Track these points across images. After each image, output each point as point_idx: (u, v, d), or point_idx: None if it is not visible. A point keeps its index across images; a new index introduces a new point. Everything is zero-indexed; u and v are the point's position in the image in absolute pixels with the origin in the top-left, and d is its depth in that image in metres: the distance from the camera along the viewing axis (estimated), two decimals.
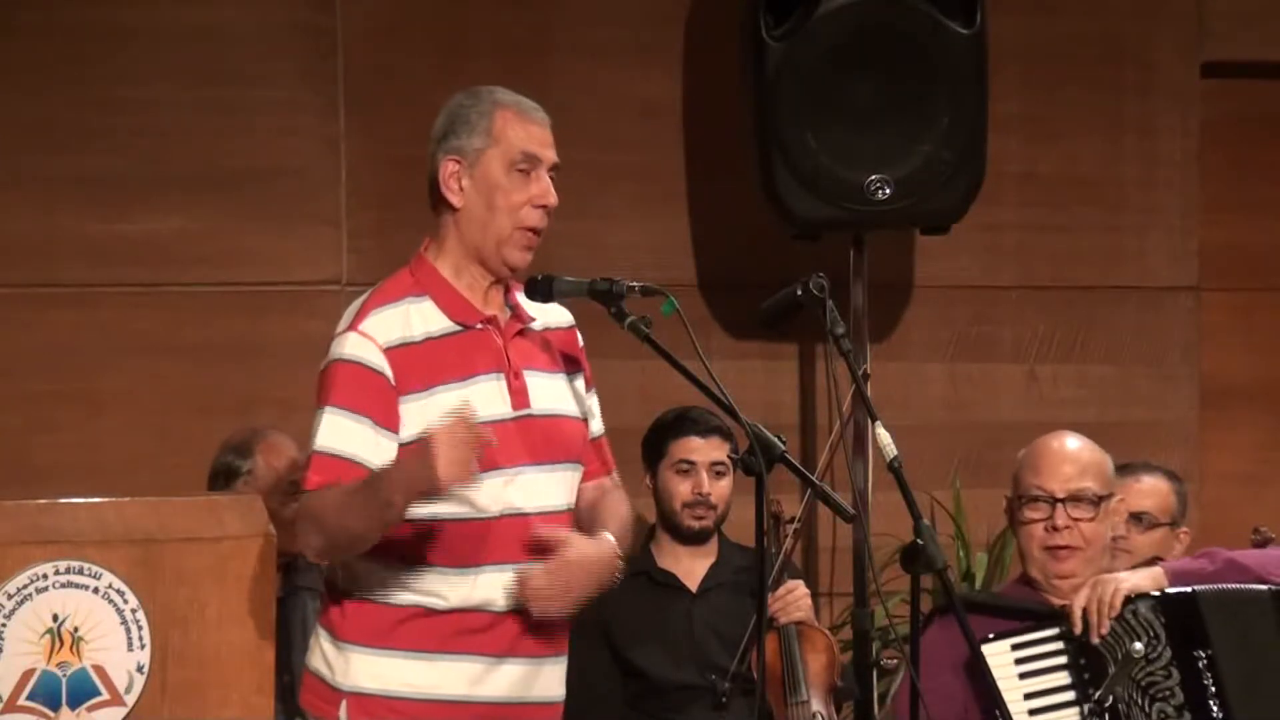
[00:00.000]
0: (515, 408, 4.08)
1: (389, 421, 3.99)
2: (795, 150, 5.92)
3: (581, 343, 4.28)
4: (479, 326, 4.10)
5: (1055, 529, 4.47)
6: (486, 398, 4.05)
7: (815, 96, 5.91)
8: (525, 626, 4.03)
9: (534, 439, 4.09)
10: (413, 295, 4.08)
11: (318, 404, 4.03)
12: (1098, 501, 4.49)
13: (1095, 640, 4.26)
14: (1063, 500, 4.48)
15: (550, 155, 4.11)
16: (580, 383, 4.25)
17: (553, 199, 4.09)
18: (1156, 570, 4.39)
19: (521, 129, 4.09)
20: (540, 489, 4.09)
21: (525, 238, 4.09)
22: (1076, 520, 4.47)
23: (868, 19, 5.91)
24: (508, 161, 4.07)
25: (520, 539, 4.03)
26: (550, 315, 4.23)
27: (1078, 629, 4.28)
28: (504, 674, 4.03)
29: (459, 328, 4.08)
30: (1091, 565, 4.47)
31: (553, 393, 4.16)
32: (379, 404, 3.99)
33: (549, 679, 4.10)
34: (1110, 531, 4.57)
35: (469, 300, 4.10)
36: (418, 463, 3.82)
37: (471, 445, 3.83)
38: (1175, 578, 4.33)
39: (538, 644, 4.06)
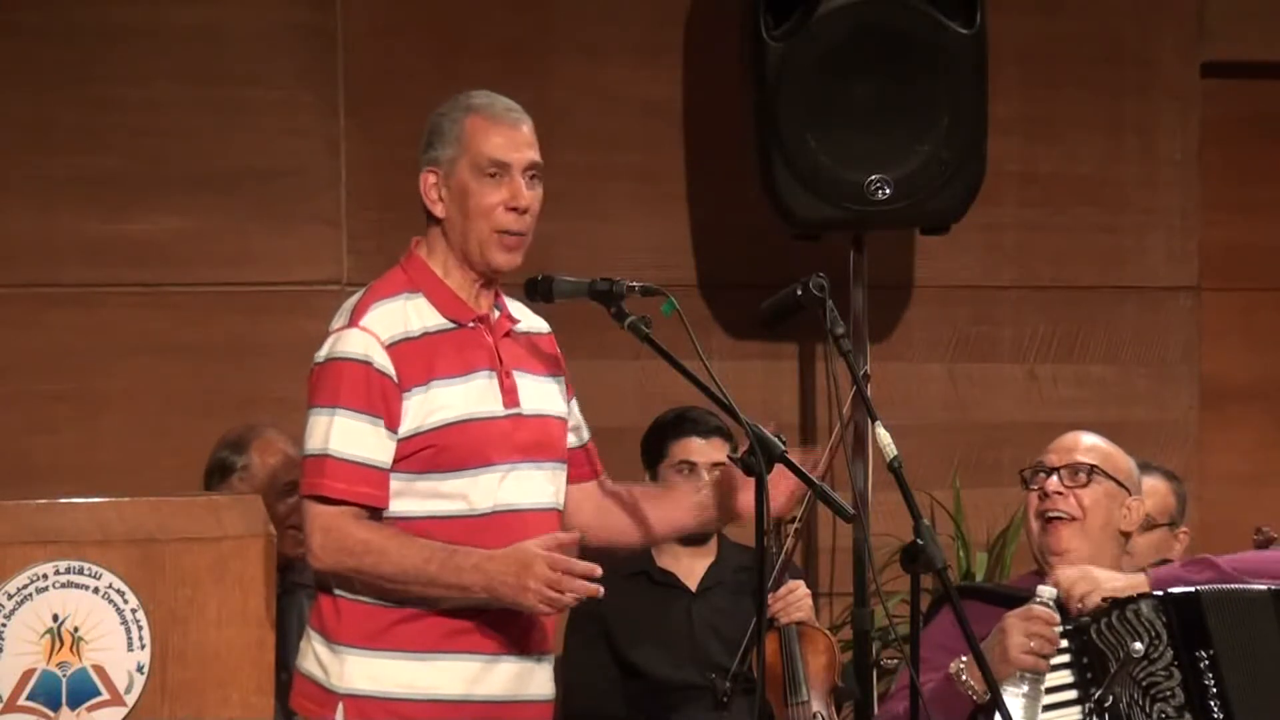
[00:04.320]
0: (506, 406, 4.10)
1: (393, 422, 4.01)
2: (795, 150, 5.92)
3: (558, 350, 4.31)
4: (471, 325, 4.12)
5: (1046, 495, 4.48)
6: (480, 395, 4.07)
7: (815, 96, 5.92)
8: (518, 624, 4.04)
9: (524, 437, 4.11)
10: (407, 292, 4.10)
11: (318, 401, 4.02)
12: (1091, 471, 4.49)
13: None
14: (1057, 468, 4.50)
15: (523, 156, 4.10)
16: (563, 386, 4.27)
17: (524, 200, 4.08)
18: (1139, 577, 4.38)
19: (493, 134, 4.08)
20: (531, 486, 4.11)
21: (503, 240, 4.09)
22: (1070, 487, 4.48)
23: (868, 19, 5.91)
24: (476, 169, 4.08)
25: (511, 534, 4.04)
26: (530, 320, 4.27)
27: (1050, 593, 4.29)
28: (500, 672, 4.05)
29: (453, 324, 4.10)
30: (1090, 542, 4.44)
31: (539, 393, 4.18)
32: (387, 404, 4.00)
33: (542, 677, 4.13)
34: (1123, 523, 4.55)
35: (461, 298, 4.12)
36: (513, 575, 3.92)
37: (568, 582, 3.93)
38: (1159, 584, 4.32)
39: (531, 641, 4.08)
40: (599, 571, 3.99)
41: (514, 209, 4.08)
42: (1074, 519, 4.47)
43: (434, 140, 4.11)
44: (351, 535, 3.97)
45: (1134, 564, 4.70)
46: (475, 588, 3.96)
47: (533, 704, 4.11)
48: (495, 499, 4.05)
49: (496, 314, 4.18)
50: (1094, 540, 4.47)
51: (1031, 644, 4.18)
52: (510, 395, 4.11)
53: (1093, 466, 4.49)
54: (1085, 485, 4.48)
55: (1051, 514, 4.48)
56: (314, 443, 4.01)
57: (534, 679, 4.10)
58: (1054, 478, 4.49)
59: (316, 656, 4.07)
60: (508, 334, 4.18)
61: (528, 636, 4.07)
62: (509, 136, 4.10)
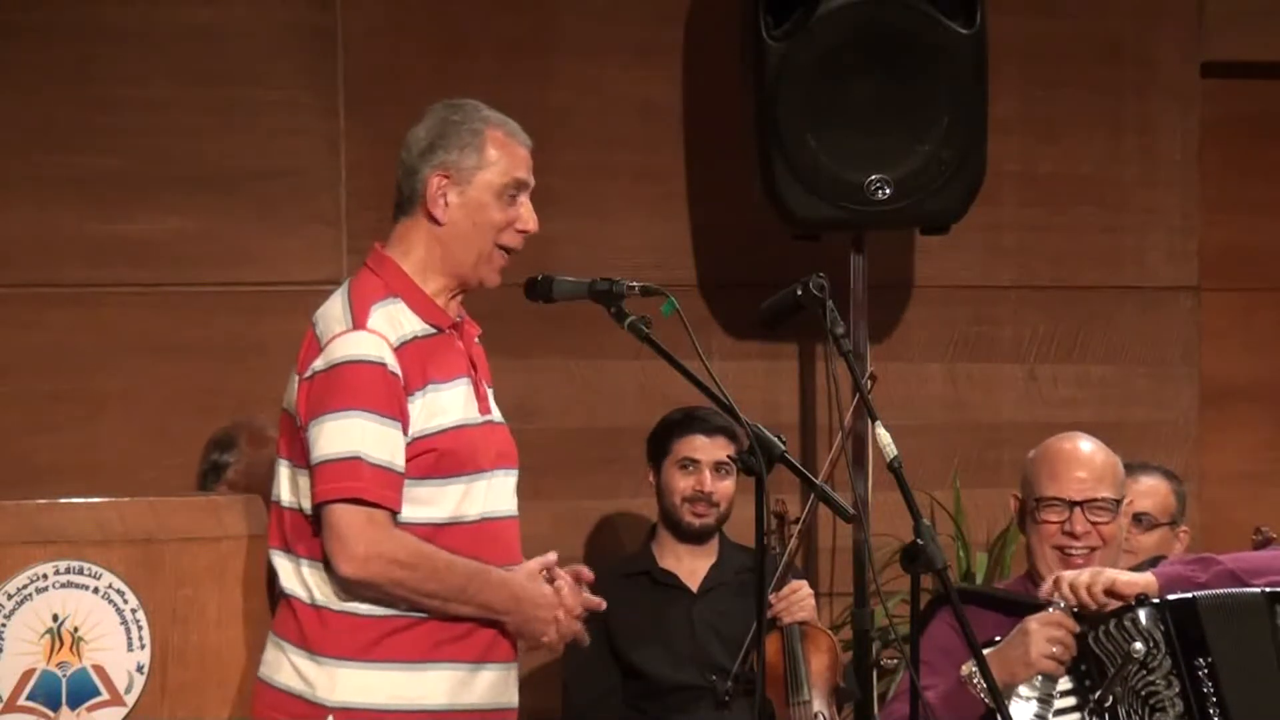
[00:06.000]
0: (481, 413, 4.11)
1: (408, 426, 3.99)
2: (795, 150, 5.92)
3: None
4: (447, 331, 4.11)
5: (1074, 535, 4.47)
6: (463, 401, 4.07)
7: (815, 96, 5.91)
8: (496, 632, 4.05)
9: (497, 444, 4.13)
10: (390, 296, 4.06)
11: (336, 405, 3.94)
12: (1115, 505, 4.51)
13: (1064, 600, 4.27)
14: (1080, 504, 4.49)
15: (532, 180, 4.14)
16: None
17: (534, 226, 4.12)
18: (1146, 575, 4.39)
19: (516, 153, 4.10)
20: (505, 493, 4.12)
21: (502, 258, 4.12)
22: (1095, 524, 4.49)
23: (868, 19, 5.91)
24: (500, 185, 4.08)
25: (495, 542, 4.05)
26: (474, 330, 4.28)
27: (1053, 595, 4.29)
28: (482, 680, 4.04)
29: (434, 330, 4.08)
30: (1108, 561, 4.47)
31: (495, 402, 4.20)
32: (401, 407, 3.97)
33: (514, 684, 4.13)
34: (1123, 530, 4.58)
35: (438, 305, 4.11)
36: (536, 605, 4.02)
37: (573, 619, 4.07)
38: (1167, 584, 4.32)
39: (505, 649, 4.08)
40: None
41: (522, 231, 4.11)
42: (1096, 549, 4.49)
43: (445, 144, 4.08)
44: (403, 545, 3.93)
45: (1134, 563, 4.70)
46: (495, 608, 4.00)
47: (508, 711, 4.11)
48: (483, 507, 4.05)
49: (460, 321, 4.18)
50: (1110, 559, 4.49)
51: (1054, 649, 4.18)
52: (484, 402, 4.12)
53: (1116, 501, 4.50)
54: (1109, 523, 4.50)
55: (1077, 551, 4.49)
56: (339, 445, 3.93)
57: (508, 687, 4.10)
58: (1079, 514, 4.49)
59: (296, 669, 3.98)
60: (472, 342, 4.19)
61: (503, 644, 4.07)
62: (525, 159, 4.12)
